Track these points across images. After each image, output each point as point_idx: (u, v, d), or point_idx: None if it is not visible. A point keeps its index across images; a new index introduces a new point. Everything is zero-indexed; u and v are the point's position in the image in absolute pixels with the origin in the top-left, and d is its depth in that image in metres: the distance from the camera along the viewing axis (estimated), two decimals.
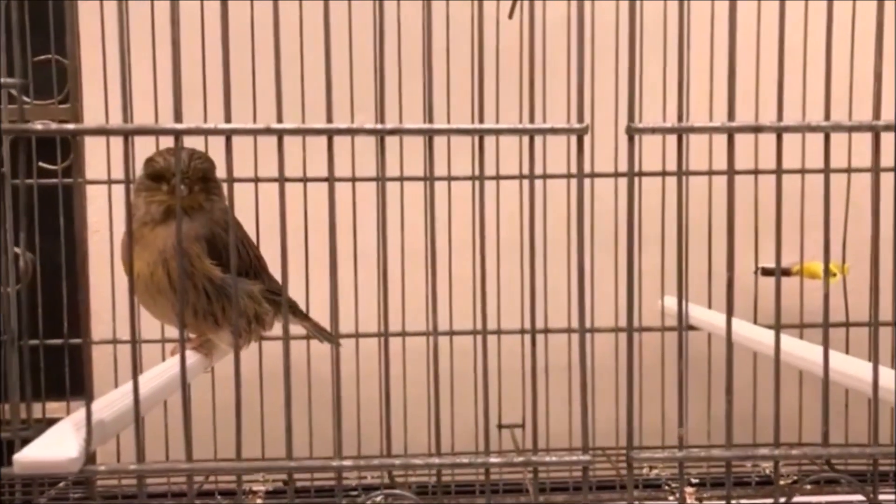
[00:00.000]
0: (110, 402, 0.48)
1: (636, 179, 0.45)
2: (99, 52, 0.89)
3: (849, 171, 0.85)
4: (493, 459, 0.46)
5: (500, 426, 0.94)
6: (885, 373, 0.58)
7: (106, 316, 0.93)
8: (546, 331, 0.92)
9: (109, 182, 0.90)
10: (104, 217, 0.91)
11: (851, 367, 0.60)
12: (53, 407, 0.91)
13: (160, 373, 0.58)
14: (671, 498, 0.82)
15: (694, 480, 0.84)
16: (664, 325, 0.92)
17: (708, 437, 0.90)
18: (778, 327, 0.47)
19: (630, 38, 0.44)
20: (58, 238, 0.91)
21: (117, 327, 0.94)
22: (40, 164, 0.90)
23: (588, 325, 0.91)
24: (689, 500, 0.80)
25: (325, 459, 0.46)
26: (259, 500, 0.83)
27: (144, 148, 0.84)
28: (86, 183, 0.95)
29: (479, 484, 0.90)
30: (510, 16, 0.91)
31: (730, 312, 0.46)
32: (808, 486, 0.81)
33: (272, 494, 0.84)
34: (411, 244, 0.87)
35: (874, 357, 0.47)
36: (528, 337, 0.86)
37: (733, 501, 0.75)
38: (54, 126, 0.43)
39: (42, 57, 0.91)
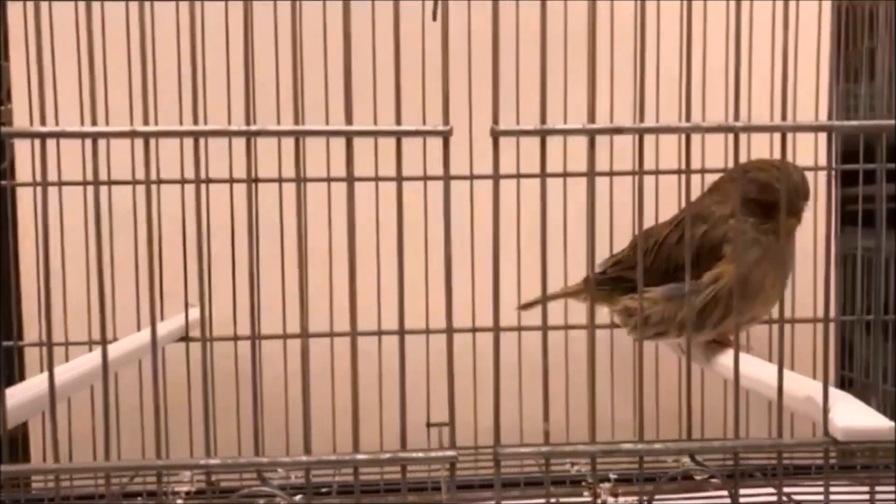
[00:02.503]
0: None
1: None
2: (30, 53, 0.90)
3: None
4: (360, 457, 0.46)
5: (428, 425, 0.95)
6: (762, 369, 0.60)
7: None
8: (473, 330, 0.93)
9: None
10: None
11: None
12: None
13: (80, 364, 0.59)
14: (586, 494, 0.83)
15: (612, 476, 0.85)
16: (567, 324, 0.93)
17: (634, 432, 0.91)
18: (641, 325, 0.48)
19: (494, 40, 0.45)
20: None
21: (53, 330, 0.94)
22: None
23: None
24: (605, 496, 0.81)
25: (197, 458, 0.46)
26: (180, 501, 0.83)
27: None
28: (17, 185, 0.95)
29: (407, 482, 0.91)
30: (434, 18, 0.92)
31: (592, 313, 0.47)
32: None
33: (195, 495, 0.85)
34: (339, 244, 0.88)
35: (735, 354, 0.49)
36: (457, 336, 0.89)
37: (645, 497, 0.76)
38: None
39: None
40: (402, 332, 0.47)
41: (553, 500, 0.78)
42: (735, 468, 0.49)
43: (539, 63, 0.46)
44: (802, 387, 0.52)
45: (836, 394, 0.50)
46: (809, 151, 0.95)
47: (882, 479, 0.72)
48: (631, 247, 0.77)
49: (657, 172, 0.91)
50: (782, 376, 0.48)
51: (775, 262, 0.66)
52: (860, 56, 1.05)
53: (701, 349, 0.71)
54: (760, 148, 0.83)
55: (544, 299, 0.47)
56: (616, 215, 0.92)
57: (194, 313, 0.91)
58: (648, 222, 0.85)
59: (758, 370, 0.59)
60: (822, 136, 1.00)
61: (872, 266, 1.00)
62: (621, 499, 0.81)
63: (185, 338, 0.89)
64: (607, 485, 0.84)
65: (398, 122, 0.46)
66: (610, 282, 0.76)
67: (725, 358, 0.66)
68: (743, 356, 0.65)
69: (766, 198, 0.64)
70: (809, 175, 0.97)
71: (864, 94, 1.03)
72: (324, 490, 0.88)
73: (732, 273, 0.66)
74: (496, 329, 0.46)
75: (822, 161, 0.98)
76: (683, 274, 0.67)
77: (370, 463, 0.47)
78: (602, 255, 0.87)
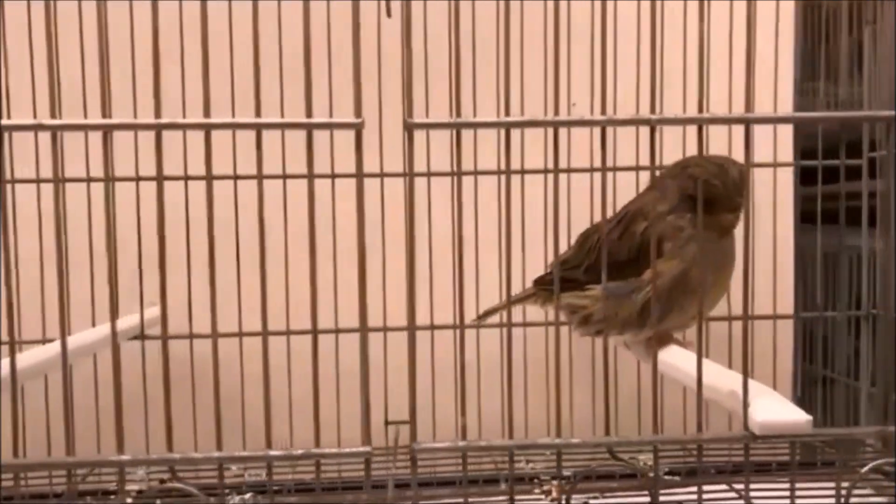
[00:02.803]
0: None
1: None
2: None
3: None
4: (272, 453, 0.46)
5: (386, 423, 0.95)
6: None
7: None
8: (432, 327, 0.93)
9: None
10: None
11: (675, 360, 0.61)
12: None
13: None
14: (537, 491, 0.82)
15: (566, 473, 0.84)
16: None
17: (593, 429, 0.90)
18: (557, 323, 0.48)
19: (405, 34, 0.45)
20: None
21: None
22: None
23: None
24: (554, 493, 0.81)
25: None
26: (130, 500, 0.83)
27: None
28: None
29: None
30: (388, 14, 0.92)
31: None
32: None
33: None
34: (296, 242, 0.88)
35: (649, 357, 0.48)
36: (419, 333, 0.89)
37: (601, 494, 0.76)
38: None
39: None
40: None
41: (476, 498, 0.78)
42: (655, 464, 0.48)
43: (452, 58, 0.46)
44: (729, 382, 0.52)
45: (757, 389, 0.50)
46: (770, 148, 0.96)
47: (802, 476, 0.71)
48: (576, 246, 0.77)
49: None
50: (701, 371, 0.48)
51: (715, 259, 0.66)
52: (819, 55, 1.05)
53: (642, 346, 0.71)
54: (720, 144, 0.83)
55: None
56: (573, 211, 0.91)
57: (151, 311, 0.91)
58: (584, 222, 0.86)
59: (691, 366, 0.59)
60: (782, 134, 1.01)
61: (837, 263, 1.00)
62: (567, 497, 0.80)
63: (141, 336, 0.89)
64: (559, 482, 0.83)
65: (308, 114, 0.46)
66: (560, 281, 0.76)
67: (665, 355, 0.66)
68: (680, 352, 0.66)
69: (707, 194, 0.64)
70: (767, 171, 0.98)
71: (824, 92, 1.03)
72: (277, 489, 0.88)
73: (673, 269, 0.65)
74: (409, 328, 0.46)
75: (781, 157, 0.98)
76: (625, 272, 0.67)
77: (283, 458, 0.46)
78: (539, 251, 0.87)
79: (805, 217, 1.00)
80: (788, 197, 1.01)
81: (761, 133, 0.90)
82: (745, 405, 0.48)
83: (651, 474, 0.90)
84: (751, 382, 0.51)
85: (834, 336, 1.03)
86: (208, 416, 0.86)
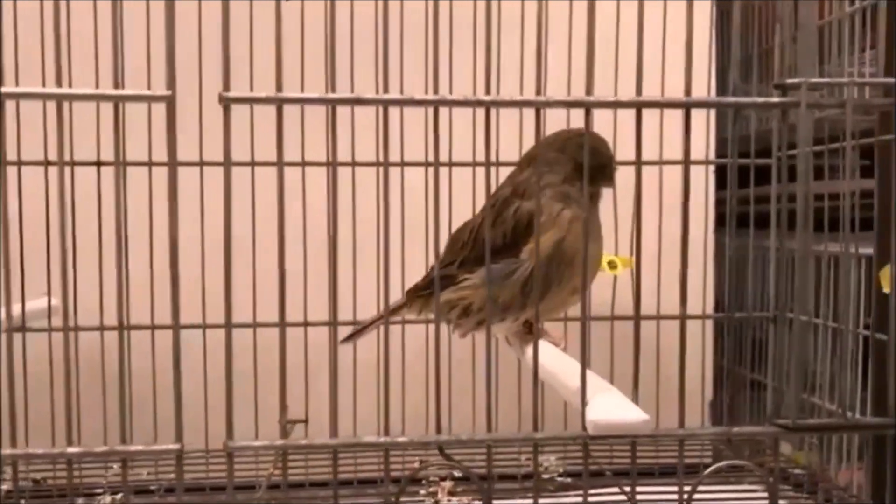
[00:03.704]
0: None
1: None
2: None
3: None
4: (70, 450, 0.43)
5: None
6: (556, 362, 0.57)
7: None
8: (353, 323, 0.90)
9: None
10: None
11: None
12: None
13: None
14: (422, 493, 0.80)
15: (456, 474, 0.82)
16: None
17: (518, 426, 0.87)
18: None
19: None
20: None
21: None
22: None
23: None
24: (442, 495, 0.79)
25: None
26: None
27: None
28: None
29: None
30: None
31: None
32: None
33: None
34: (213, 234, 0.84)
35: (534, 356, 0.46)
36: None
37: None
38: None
39: None
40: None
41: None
42: (488, 464, 0.46)
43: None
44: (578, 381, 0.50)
45: (599, 387, 0.48)
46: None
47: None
48: (448, 247, 0.74)
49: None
50: (537, 367, 0.45)
51: (591, 229, 0.64)
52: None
53: (518, 339, 0.68)
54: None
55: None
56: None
57: (43, 302, 0.87)
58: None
59: (552, 363, 0.57)
60: (699, 133, 0.99)
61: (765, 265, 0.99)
62: (455, 499, 0.78)
63: (48, 327, 0.85)
64: (447, 483, 0.81)
65: (118, 85, 0.42)
66: (432, 284, 0.72)
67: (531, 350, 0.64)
68: (547, 348, 0.63)
69: (594, 162, 0.62)
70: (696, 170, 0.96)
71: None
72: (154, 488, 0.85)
73: (550, 239, 0.64)
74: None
75: (694, 156, 0.97)
76: (502, 256, 0.65)
77: (85, 455, 0.43)
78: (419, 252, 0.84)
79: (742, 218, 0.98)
80: (703, 196, 1.00)
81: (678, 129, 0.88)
82: (584, 403, 0.45)
83: (556, 475, 0.89)
84: (597, 381, 0.49)
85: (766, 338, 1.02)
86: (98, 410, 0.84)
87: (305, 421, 0.92)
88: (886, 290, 0.74)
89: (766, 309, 0.95)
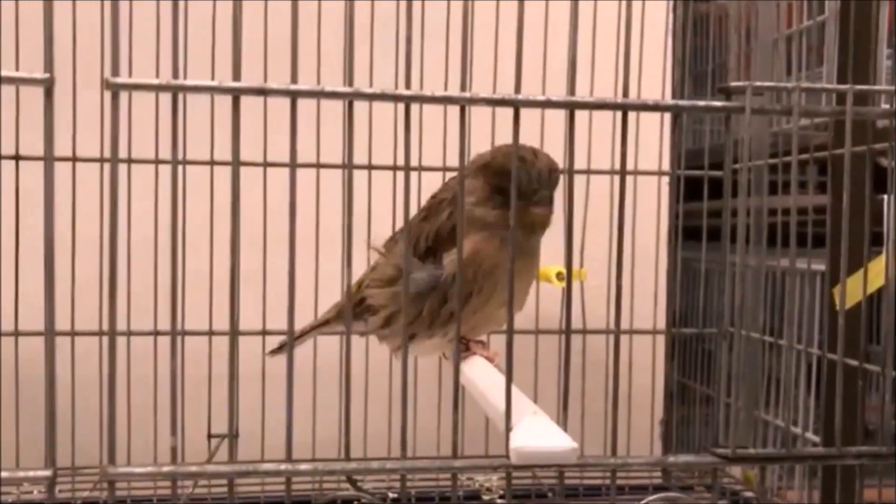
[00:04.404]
0: None
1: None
2: None
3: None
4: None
5: (209, 436, 0.87)
6: (487, 380, 0.54)
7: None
8: (263, 333, 0.86)
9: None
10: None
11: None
12: None
13: None
14: None
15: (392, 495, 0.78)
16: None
17: (437, 447, 0.83)
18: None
19: None
20: None
21: None
22: None
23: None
24: None
25: None
26: None
27: None
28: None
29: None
30: None
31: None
32: None
33: None
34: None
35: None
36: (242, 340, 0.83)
37: None
38: None
39: None
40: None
41: None
42: (402, 492, 0.42)
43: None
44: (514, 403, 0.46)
45: (526, 410, 0.44)
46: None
47: None
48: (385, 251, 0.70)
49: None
50: (458, 389, 0.41)
51: (518, 251, 0.61)
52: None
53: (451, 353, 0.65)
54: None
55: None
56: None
57: None
58: None
59: (482, 380, 0.53)
60: (652, 144, 0.97)
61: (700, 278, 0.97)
62: None
63: None
64: None
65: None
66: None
67: (467, 365, 0.60)
68: (479, 364, 0.60)
69: (507, 184, 0.59)
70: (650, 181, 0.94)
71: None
72: None
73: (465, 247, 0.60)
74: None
75: (649, 166, 0.94)
76: (426, 261, 0.61)
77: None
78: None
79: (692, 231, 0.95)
80: (656, 208, 0.97)
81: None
82: (508, 429, 0.41)
83: (497, 497, 0.85)
84: (525, 403, 0.45)
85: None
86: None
87: (235, 436, 0.88)
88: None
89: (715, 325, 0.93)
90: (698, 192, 0.89)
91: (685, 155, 0.94)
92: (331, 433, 0.73)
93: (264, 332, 0.86)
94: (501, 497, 0.84)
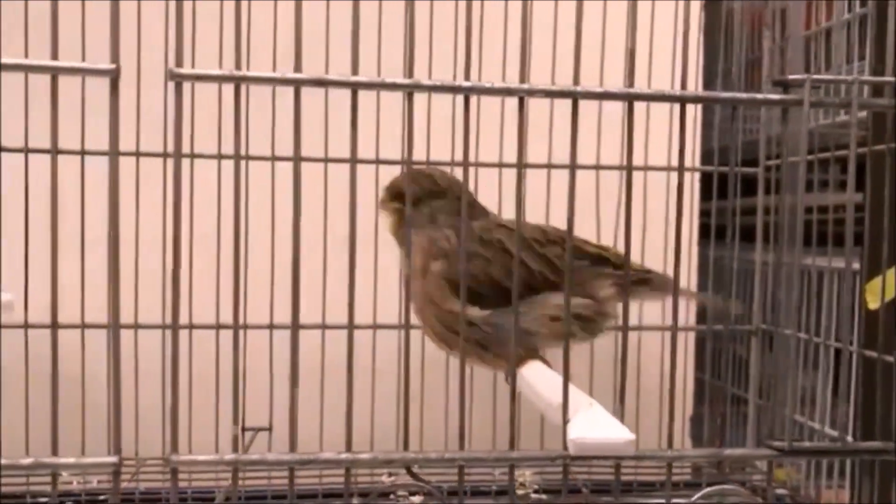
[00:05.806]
0: None
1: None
2: None
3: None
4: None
5: (243, 429, 0.87)
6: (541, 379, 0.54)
7: None
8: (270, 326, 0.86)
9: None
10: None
11: None
12: None
13: None
14: None
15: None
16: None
17: (493, 442, 0.83)
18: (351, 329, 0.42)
19: None
20: None
21: None
22: None
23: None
24: None
25: None
26: None
27: None
28: None
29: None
30: None
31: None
32: None
33: None
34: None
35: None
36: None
37: None
38: None
39: None
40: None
41: None
42: (459, 484, 0.42)
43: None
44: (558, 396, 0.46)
45: (582, 403, 0.44)
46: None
47: None
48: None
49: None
50: (515, 379, 0.42)
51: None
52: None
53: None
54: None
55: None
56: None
57: None
58: None
59: (539, 379, 0.53)
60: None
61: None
62: None
63: None
64: (417, 499, 0.77)
65: (54, 56, 0.38)
66: None
67: (525, 369, 0.59)
68: (538, 368, 0.59)
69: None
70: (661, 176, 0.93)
71: None
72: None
73: None
74: (173, 326, 0.39)
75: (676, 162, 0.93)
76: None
77: (11, 468, 0.39)
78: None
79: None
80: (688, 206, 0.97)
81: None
82: (565, 421, 0.42)
83: (531, 492, 0.85)
84: (579, 396, 0.45)
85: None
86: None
87: (269, 429, 0.88)
88: (871, 306, 0.71)
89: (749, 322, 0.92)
90: (722, 190, 0.89)
91: (715, 152, 0.93)
92: (388, 430, 0.73)
93: (324, 327, 0.85)
94: (535, 492, 0.84)
